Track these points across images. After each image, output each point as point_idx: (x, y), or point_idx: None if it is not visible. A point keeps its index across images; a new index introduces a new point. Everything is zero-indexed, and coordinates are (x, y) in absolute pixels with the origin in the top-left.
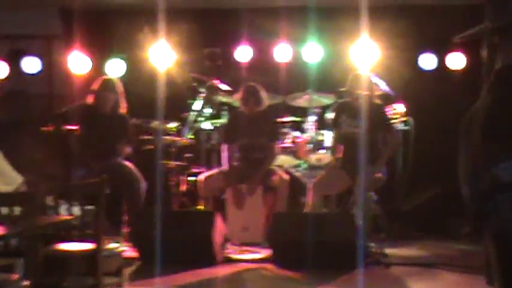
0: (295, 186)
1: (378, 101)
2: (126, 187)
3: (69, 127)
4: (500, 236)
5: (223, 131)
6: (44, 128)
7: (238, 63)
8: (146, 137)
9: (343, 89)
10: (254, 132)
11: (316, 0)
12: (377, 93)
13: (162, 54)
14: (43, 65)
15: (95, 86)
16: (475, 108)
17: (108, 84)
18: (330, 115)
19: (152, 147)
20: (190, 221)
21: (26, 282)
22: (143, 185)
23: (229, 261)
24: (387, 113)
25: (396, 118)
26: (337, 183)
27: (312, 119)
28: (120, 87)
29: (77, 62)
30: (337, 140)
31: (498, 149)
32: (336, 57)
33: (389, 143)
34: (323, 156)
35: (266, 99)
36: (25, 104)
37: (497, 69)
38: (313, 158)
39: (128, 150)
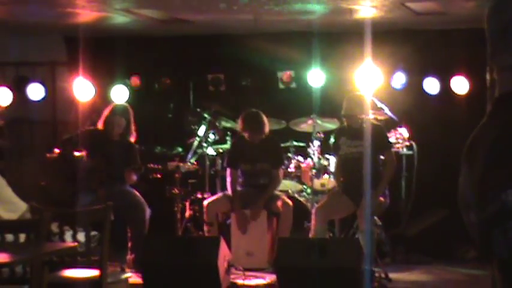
0: (299, 211)
1: (376, 122)
2: (131, 214)
3: (76, 153)
4: (508, 263)
5: (227, 156)
6: (49, 155)
7: (242, 88)
8: (152, 166)
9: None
10: (258, 158)
11: (319, 25)
12: (380, 117)
13: (167, 80)
14: (47, 91)
15: (105, 111)
16: (476, 134)
17: (118, 109)
18: (333, 140)
19: (157, 175)
20: (195, 246)
21: None
22: (148, 212)
23: (234, 286)
24: (386, 133)
25: (400, 143)
26: (340, 208)
27: (315, 144)
28: (130, 113)
29: (81, 89)
30: (338, 163)
31: (507, 174)
32: (340, 82)
33: (388, 163)
34: (327, 181)
35: (267, 125)
36: (29, 131)
37: (496, 98)
38: (317, 183)
39: (134, 178)
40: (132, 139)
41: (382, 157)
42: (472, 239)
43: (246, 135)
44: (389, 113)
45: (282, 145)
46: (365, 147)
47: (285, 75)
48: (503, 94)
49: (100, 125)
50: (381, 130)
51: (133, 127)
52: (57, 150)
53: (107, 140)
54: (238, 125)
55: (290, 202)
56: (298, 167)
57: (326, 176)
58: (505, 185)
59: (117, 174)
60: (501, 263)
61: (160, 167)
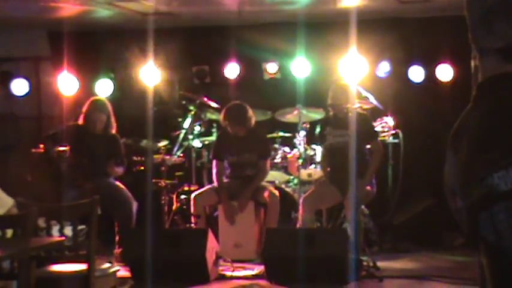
0: (287, 201)
1: (361, 111)
2: (117, 207)
3: (59, 148)
4: (495, 247)
5: (213, 148)
6: (34, 150)
7: (227, 80)
8: (137, 158)
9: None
10: (244, 149)
11: (304, 15)
12: (366, 106)
13: (151, 73)
14: (31, 86)
15: (85, 107)
16: (461, 120)
17: (97, 105)
18: (318, 129)
19: (143, 167)
20: (183, 239)
21: None
22: (134, 205)
23: (223, 278)
24: (372, 122)
25: (385, 131)
26: (327, 197)
27: (301, 134)
28: (109, 107)
29: (65, 83)
30: (325, 153)
31: (492, 159)
32: (325, 71)
33: (375, 152)
34: (314, 171)
35: (251, 118)
36: (14, 126)
37: (478, 83)
38: (303, 173)
39: (120, 171)
40: (113, 131)
41: (368, 146)
42: (459, 225)
43: (228, 128)
44: (375, 102)
45: (268, 136)
46: (351, 137)
47: (270, 65)
48: (486, 79)
49: (81, 120)
50: (367, 119)
51: (113, 119)
52: (42, 146)
53: (90, 135)
54: (221, 118)
55: (277, 192)
56: (284, 158)
57: (312, 166)
58: (490, 169)
59: (101, 168)
60: (488, 247)
61: (143, 159)
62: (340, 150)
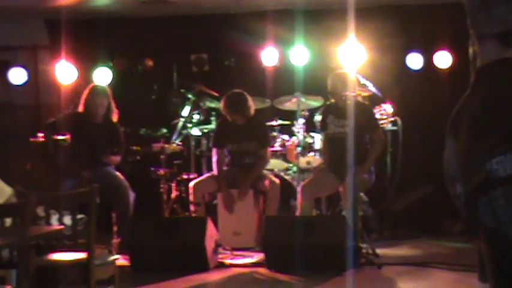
0: (286, 189)
1: (363, 101)
2: (115, 196)
3: (58, 137)
4: (494, 233)
5: (213, 136)
6: (33, 139)
7: (225, 68)
8: (135, 148)
9: (329, 89)
10: (243, 137)
11: (302, 2)
12: (364, 94)
13: (149, 61)
14: (29, 75)
15: (84, 93)
16: (460, 106)
17: (98, 90)
18: (318, 117)
19: (141, 157)
20: (182, 227)
21: None
22: (132, 195)
23: (222, 266)
24: (374, 112)
25: (384, 119)
26: (326, 185)
27: (300, 122)
28: (110, 93)
29: (64, 72)
30: (325, 141)
31: (491, 144)
32: (323, 59)
33: (376, 142)
34: (313, 159)
35: (251, 107)
36: (12, 116)
37: (478, 69)
38: (303, 161)
39: (117, 159)
40: (115, 117)
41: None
42: (458, 211)
43: (227, 116)
44: (374, 89)
45: (267, 124)
46: (350, 127)
47: (268, 53)
48: (485, 65)
49: (81, 108)
50: (369, 110)
51: (114, 106)
52: (40, 135)
53: (90, 123)
54: (221, 107)
55: (277, 181)
56: (283, 146)
57: (311, 153)
58: (489, 154)
59: (100, 156)
60: (487, 233)
61: (140, 148)
62: (341, 141)
